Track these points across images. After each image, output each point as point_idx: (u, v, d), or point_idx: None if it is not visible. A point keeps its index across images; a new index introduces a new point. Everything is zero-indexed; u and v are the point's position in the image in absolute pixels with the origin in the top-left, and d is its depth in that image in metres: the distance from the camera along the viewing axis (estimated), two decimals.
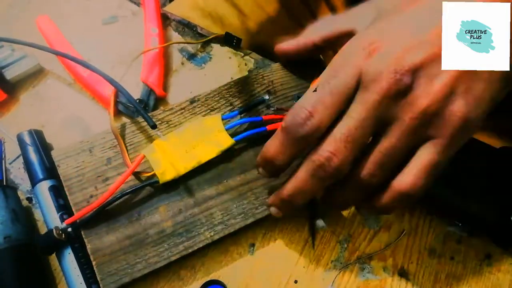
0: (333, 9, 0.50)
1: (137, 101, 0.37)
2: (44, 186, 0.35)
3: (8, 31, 0.44)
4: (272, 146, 0.29)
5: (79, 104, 0.41)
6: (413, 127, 0.26)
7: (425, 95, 0.25)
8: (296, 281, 0.35)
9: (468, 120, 0.26)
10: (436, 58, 0.25)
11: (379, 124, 0.26)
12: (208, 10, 0.49)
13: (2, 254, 0.31)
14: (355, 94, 0.27)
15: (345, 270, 0.35)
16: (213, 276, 0.35)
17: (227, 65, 0.44)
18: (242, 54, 0.44)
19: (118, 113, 0.40)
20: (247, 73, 0.43)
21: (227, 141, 0.35)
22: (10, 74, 0.41)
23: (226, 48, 0.45)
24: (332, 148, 0.26)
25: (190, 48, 0.44)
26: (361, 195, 0.29)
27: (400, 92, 0.25)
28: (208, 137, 0.35)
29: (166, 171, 0.34)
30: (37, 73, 0.43)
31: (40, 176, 0.35)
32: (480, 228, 0.37)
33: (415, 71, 0.25)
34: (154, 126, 0.34)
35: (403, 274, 0.35)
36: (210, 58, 0.44)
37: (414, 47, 0.26)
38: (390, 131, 0.26)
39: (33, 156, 0.36)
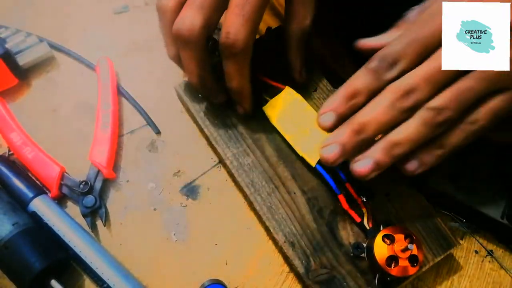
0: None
1: (82, 183, 0.37)
2: (40, 201, 0.35)
3: (20, 19, 0.45)
4: (358, 83, 0.31)
5: (92, 91, 0.41)
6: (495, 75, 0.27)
7: None
8: None
9: None
10: None
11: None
12: None
13: (16, 237, 0.33)
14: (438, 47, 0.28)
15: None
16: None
17: None
18: None
19: (62, 196, 0.37)
20: None
21: (311, 160, 0.34)
22: (22, 60, 0.42)
23: None
24: (413, 81, 0.28)
25: None
26: (429, 133, 0.29)
27: None
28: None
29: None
30: (50, 59, 0.43)
31: (31, 195, 0.35)
32: (483, 224, 0.37)
33: None
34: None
35: None
36: None
37: None
38: (471, 73, 0.28)
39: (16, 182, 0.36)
